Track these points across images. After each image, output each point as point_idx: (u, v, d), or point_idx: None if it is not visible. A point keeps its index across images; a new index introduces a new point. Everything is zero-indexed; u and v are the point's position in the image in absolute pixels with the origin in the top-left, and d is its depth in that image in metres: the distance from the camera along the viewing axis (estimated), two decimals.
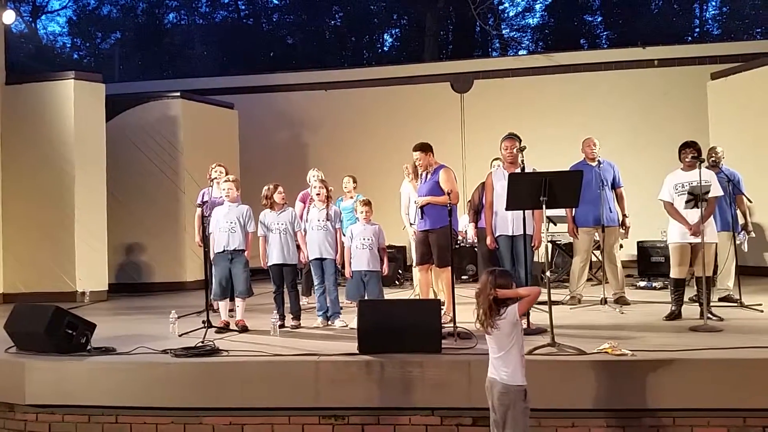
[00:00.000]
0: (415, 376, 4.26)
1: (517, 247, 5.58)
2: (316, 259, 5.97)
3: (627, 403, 4.09)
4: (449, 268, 5.88)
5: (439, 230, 5.74)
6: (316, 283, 6.04)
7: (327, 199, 6.07)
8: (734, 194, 6.68)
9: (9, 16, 9.34)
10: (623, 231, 6.94)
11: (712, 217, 5.68)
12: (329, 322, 5.95)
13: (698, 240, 5.52)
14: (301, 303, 6.26)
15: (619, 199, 6.92)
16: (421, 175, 6.10)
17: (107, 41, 23.20)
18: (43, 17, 23.18)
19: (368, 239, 5.76)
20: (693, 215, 5.53)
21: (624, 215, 6.88)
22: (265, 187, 6.02)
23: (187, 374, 4.51)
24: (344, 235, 6.06)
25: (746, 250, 7.07)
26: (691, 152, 5.72)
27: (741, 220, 6.88)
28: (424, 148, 5.92)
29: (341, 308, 6.05)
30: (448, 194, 5.47)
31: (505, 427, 3.39)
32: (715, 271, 6.52)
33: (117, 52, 21.60)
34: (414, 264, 6.23)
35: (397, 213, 7.12)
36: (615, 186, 6.89)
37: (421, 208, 5.83)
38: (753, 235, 7.15)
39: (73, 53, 23.58)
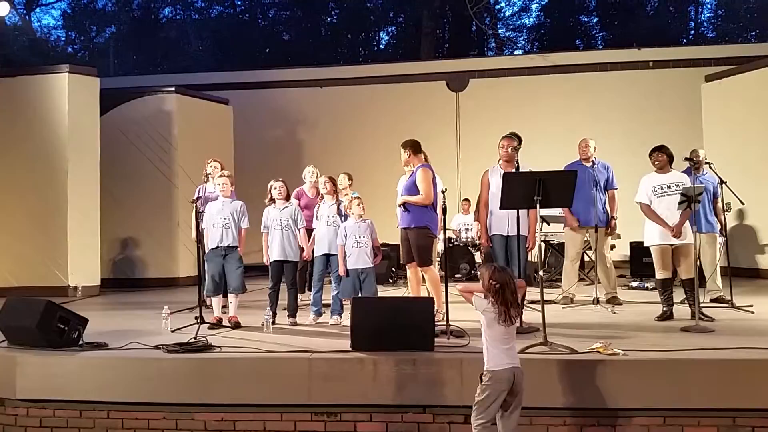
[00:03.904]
0: (407, 374, 4.27)
1: (511, 247, 5.58)
2: (324, 254, 5.97)
3: (618, 402, 4.10)
4: (432, 266, 5.90)
5: (415, 229, 5.75)
6: (316, 279, 6.03)
7: (335, 193, 6.08)
8: (714, 198, 6.76)
9: (3, 8, 9.31)
10: (607, 231, 6.90)
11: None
12: (331, 319, 5.94)
13: (678, 241, 5.58)
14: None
15: (610, 200, 6.94)
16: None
17: (102, 35, 23.08)
18: (38, 10, 23.06)
19: (363, 236, 5.76)
20: (674, 217, 5.58)
21: (612, 217, 6.88)
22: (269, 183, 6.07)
23: (180, 370, 4.49)
24: None
25: (720, 255, 7.10)
26: (659, 156, 5.87)
27: (718, 226, 6.92)
28: (405, 144, 5.94)
29: (342, 306, 6.02)
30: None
31: (513, 411, 3.57)
32: (701, 275, 6.56)
33: (112, 46, 21.50)
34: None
35: (391, 211, 7.11)
36: (608, 187, 6.92)
37: (402, 206, 5.85)
38: (722, 239, 7.16)
39: (67, 47, 23.44)
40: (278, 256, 5.91)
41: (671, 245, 5.71)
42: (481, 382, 3.59)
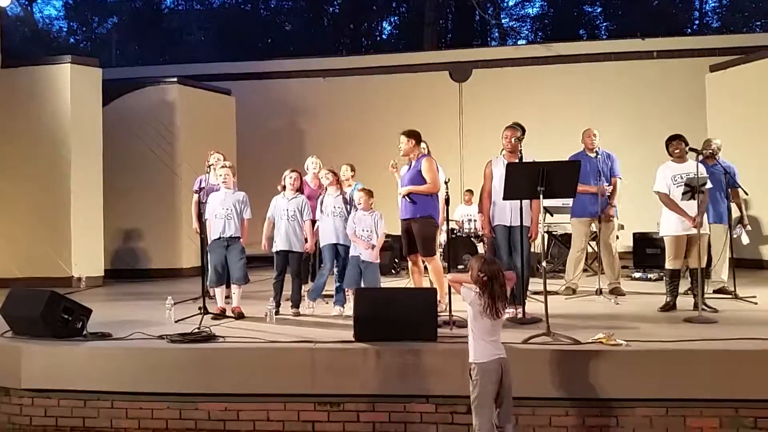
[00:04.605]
0: (410, 364, 4.28)
1: (514, 237, 5.57)
2: (332, 244, 5.98)
3: (620, 393, 4.11)
4: (436, 256, 5.90)
5: (420, 219, 5.75)
6: (327, 268, 6.02)
7: (338, 184, 6.08)
8: (731, 187, 6.68)
9: None
10: (602, 216, 6.82)
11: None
12: (333, 309, 5.95)
13: (694, 231, 5.54)
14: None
15: (613, 187, 6.91)
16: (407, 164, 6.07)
17: (104, 26, 23.03)
18: (39, 1, 23.02)
19: (368, 229, 5.76)
20: (689, 207, 5.54)
21: (611, 204, 6.84)
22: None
23: (183, 360, 4.51)
24: None
25: (745, 243, 7.07)
26: (678, 144, 5.78)
27: (736, 213, 6.89)
28: (410, 134, 5.91)
29: (345, 297, 6.03)
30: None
31: (504, 401, 3.54)
32: (709, 263, 6.54)
33: (114, 36, 21.45)
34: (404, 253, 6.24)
35: (394, 202, 7.11)
36: (612, 176, 6.89)
37: (404, 197, 5.83)
38: (749, 228, 7.16)
39: (69, 38, 23.41)
40: (283, 247, 5.92)
41: (687, 235, 5.65)
42: (471, 378, 3.58)
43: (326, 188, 6.17)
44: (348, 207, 6.03)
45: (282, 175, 6.12)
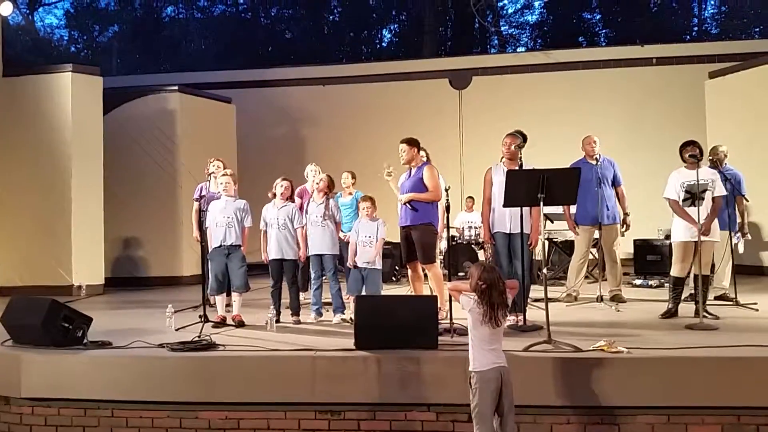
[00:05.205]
0: (411, 372, 4.27)
1: (514, 244, 5.56)
2: (316, 255, 5.97)
3: (622, 401, 4.10)
4: (436, 264, 5.89)
5: (420, 226, 5.74)
6: (313, 278, 6.04)
7: (326, 193, 6.04)
8: (734, 195, 6.67)
9: (6, 8, 9.27)
10: (623, 229, 6.92)
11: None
12: (334, 318, 5.94)
13: (703, 238, 5.51)
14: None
15: (620, 197, 6.92)
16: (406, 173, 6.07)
17: (105, 34, 23.11)
18: (41, 9, 23.07)
19: (371, 236, 5.77)
20: (693, 214, 5.53)
21: (625, 213, 6.87)
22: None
23: (184, 369, 4.51)
24: (342, 231, 6.17)
25: (742, 251, 7.06)
26: (691, 150, 5.74)
27: (738, 220, 6.88)
28: (411, 142, 5.92)
29: (344, 304, 6.02)
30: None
31: (506, 410, 3.51)
32: (712, 270, 6.53)
33: (115, 45, 21.53)
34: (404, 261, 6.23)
35: (393, 209, 7.10)
36: (615, 184, 6.89)
37: (405, 204, 5.83)
38: (749, 237, 7.14)
39: (70, 46, 23.48)
40: (276, 255, 5.92)
41: (695, 242, 5.57)
42: (470, 386, 3.56)
43: (313, 192, 6.14)
44: (330, 220, 5.96)
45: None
